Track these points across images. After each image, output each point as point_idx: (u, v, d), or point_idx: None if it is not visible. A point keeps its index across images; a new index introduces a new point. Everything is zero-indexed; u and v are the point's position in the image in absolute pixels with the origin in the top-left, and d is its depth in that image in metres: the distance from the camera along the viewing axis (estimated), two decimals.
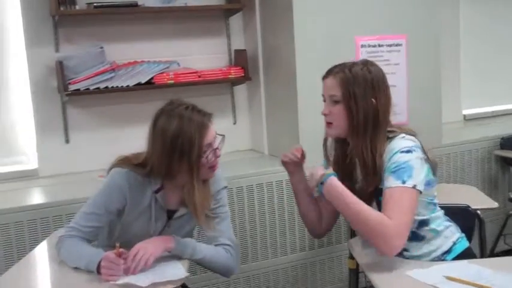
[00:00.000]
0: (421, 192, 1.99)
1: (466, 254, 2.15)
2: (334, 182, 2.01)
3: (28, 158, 3.47)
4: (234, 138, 3.68)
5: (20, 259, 2.38)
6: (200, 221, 2.14)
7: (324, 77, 2.16)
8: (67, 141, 3.49)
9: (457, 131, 4.45)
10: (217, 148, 2.13)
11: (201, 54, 3.74)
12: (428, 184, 2.05)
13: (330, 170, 2.06)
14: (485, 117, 4.84)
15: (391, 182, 1.97)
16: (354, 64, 2.12)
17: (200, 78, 3.55)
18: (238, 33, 3.88)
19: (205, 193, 2.15)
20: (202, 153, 2.07)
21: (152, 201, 2.17)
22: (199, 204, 2.09)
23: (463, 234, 2.24)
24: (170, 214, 2.22)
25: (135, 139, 3.42)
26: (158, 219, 2.20)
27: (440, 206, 2.22)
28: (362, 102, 2.05)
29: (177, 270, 2.00)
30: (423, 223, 2.11)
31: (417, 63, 3.69)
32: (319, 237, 2.60)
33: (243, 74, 3.67)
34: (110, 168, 2.20)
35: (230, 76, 3.65)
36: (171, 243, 2.08)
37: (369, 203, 2.01)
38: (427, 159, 2.05)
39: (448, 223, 2.20)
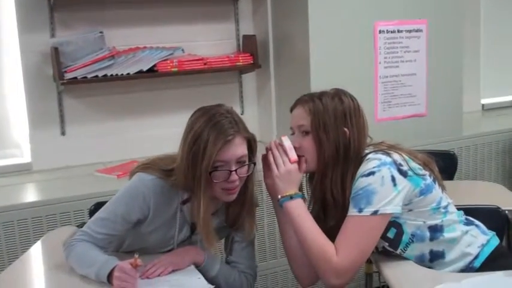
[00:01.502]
0: (395, 213, 1.88)
1: (496, 255, 2.00)
2: (297, 204, 1.95)
3: (21, 151, 3.37)
4: None
5: (10, 262, 2.29)
6: (205, 243, 1.93)
7: (292, 108, 2.08)
8: (63, 133, 3.37)
9: (476, 122, 4.36)
10: (234, 171, 1.85)
11: (207, 40, 3.64)
12: (422, 193, 1.92)
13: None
14: (504, 107, 4.73)
15: (349, 210, 1.90)
16: (324, 93, 2.03)
17: (206, 66, 3.45)
18: (247, 18, 3.76)
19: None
20: (211, 167, 1.82)
21: (178, 212, 1.98)
22: (204, 223, 1.87)
23: (491, 233, 2.08)
24: (194, 228, 2.03)
25: (136, 131, 3.45)
26: (180, 232, 2.02)
27: (464, 208, 2.10)
28: (333, 133, 1.96)
29: (198, 282, 1.86)
30: (435, 229, 1.96)
31: (438, 50, 3.62)
32: (311, 285, 2.22)
33: (251, 61, 3.57)
34: (134, 172, 1.99)
35: (238, 63, 3.56)
36: (201, 257, 2.00)
37: None
38: (409, 169, 1.89)
39: (467, 227, 2.04)
